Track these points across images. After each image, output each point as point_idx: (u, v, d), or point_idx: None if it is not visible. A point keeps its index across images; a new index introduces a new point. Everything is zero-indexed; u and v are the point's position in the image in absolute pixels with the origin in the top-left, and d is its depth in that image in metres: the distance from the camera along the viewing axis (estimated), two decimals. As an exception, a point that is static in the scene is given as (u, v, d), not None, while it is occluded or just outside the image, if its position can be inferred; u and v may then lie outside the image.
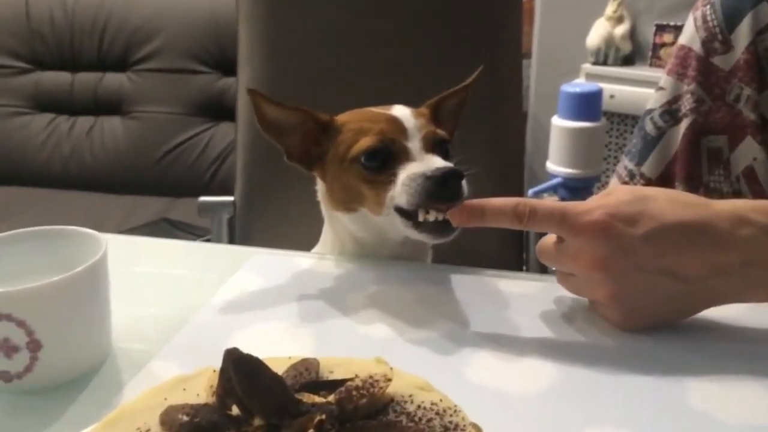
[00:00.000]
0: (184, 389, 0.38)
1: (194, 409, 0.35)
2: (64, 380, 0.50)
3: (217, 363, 0.38)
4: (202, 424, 0.34)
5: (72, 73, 2.11)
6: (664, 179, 0.86)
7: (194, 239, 1.51)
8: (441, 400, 0.37)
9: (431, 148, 0.65)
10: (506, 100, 1.15)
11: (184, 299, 0.64)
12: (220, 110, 2.04)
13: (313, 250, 0.77)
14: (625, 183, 0.89)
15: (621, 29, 2.26)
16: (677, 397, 0.47)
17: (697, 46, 0.82)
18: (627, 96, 2.17)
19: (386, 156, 0.63)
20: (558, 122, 1.98)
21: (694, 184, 0.84)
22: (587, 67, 2.32)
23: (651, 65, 2.26)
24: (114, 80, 2.09)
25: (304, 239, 0.79)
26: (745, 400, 0.47)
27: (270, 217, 1.13)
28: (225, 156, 2.01)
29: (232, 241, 1.14)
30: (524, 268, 1.11)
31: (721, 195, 0.83)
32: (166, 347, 0.55)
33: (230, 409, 0.35)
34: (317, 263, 0.71)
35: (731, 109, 0.81)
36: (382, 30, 1.11)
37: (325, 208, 0.73)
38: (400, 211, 0.63)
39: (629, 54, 2.31)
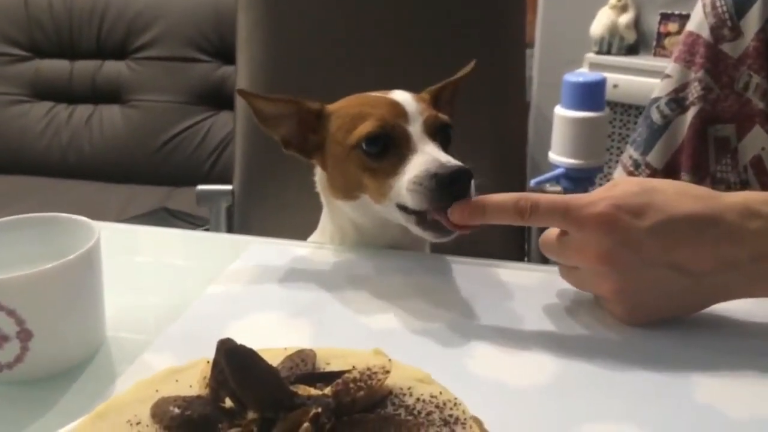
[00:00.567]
0: (177, 381, 0.37)
1: (186, 402, 0.34)
2: (55, 371, 0.49)
3: (212, 354, 0.37)
4: (194, 417, 0.33)
5: (71, 61, 2.10)
6: (669, 169, 0.85)
7: (193, 228, 1.50)
8: (441, 393, 0.36)
9: (433, 134, 0.63)
10: (509, 90, 1.14)
11: (181, 288, 0.62)
12: (219, 99, 2.03)
13: (310, 239, 0.76)
14: (630, 173, 0.88)
15: (625, 18, 2.24)
16: (682, 391, 0.46)
17: (705, 33, 0.80)
18: (631, 86, 2.16)
19: (387, 141, 0.62)
20: (561, 112, 1.97)
21: (700, 174, 0.83)
22: (591, 56, 2.30)
23: (655, 55, 2.24)
24: (113, 68, 2.08)
25: (302, 228, 0.78)
26: (751, 394, 0.46)
27: (269, 206, 1.12)
28: (224, 145, 2.00)
29: (230, 230, 1.13)
30: (526, 258, 1.10)
31: (728, 185, 0.82)
32: (160, 337, 0.54)
33: (223, 402, 0.34)
34: (316, 252, 0.69)
35: (740, 98, 0.79)
36: (382, 17, 1.09)
37: (324, 197, 0.72)
38: (404, 208, 0.61)
39: (633, 43, 2.29)
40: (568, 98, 1.96)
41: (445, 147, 0.64)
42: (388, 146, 0.62)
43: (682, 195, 0.51)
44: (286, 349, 0.40)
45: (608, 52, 2.29)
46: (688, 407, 0.44)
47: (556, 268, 0.59)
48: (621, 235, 0.49)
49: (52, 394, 0.47)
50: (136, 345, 0.53)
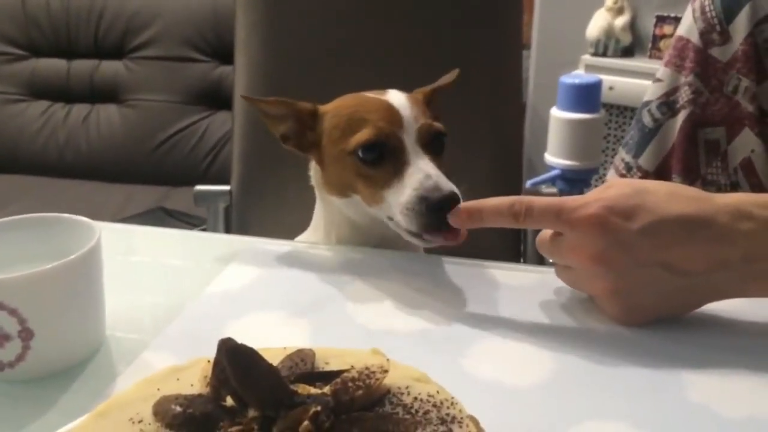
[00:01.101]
0: (178, 379, 0.38)
1: (188, 400, 0.35)
2: (56, 370, 0.50)
3: (212, 353, 0.38)
4: (196, 415, 0.33)
5: (68, 61, 2.10)
6: (661, 171, 0.86)
7: (190, 228, 1.50)
8: (438, 392, 0.37)
9: (427, 143, 0.65)
10: (506, 91, 1.15)
11: (179, 288, 0.63)
12: (217, 99, 2.03)
13: (303, 236, 0.77)
14: (623, 175, 0.89)
15: (621, 20, 2.25)
16: (676, 389, 0.47)
17: (695, 38, 0.81)
18: (626, 88, 2.17)
19: (383, 150, 0.63)
20: (557, 113, 1.98)
21: (691, 177, 0.84)
22: (587, 58, 2.31)
23: (651, 57, 2.25)
24: (110, 68, 2.08)
25: (300, 229, 0.79)
26: (743, 393, 0.47)
27: (266, 207, 1.12)
28: (222, 145, 2.00)
29: (228, 230, 1.14)
30: (522, 260, 1.11)
31: (719, 187, 0.83)
32: (159, 337, 0.54)
33: (224, 400, 0.35)
34: (314, 253, 0.70)
35: (729, 101, 0.80)
36: (380, 18, 1.10)
37: (319, 192, 0.73)
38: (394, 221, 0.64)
39: (629, 45, 2.30)
40: (564, 100, 1.97)
41: (439, 156, 0.65)
42: (383, 154, 0.63)
43: (674, 196, 0.51)
44: (285, 348, 0.40)
45: (604, 54, 2.30)
46: (681, 406, 0.45)
47: (551, 269, 0.60)
48: (612, 236, 0.51)
49: (53, 392, 0.48)
50: (134, 344, 0.53)
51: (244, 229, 1.12)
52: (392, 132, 0.64)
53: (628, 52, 2.31)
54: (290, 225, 0.81)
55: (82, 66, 2.09)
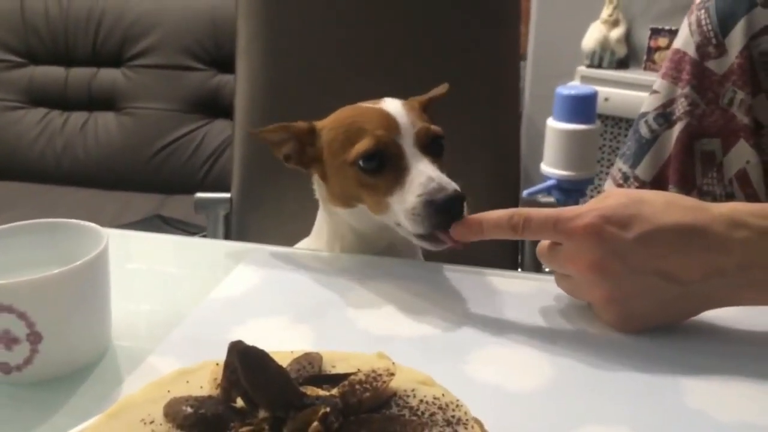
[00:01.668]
0: (187, 382, 0.39)
1: (198, 401, 0.35)
2: (63, 373, 0.50)
3: (216, 357, 0.39)
4: (207, 416, 0.34)
5: (66, 68, 2.11)
6: (657, 182, 0.87)
7: (188, 236, 1.51)
8: (443, 395, 0.37)
9: (425, 146, 0.65)
10: (503, 101, 1.16)
11: (182, 294, 0.64)
12: (215, 108, 2.04)
13: (302, 245, 0.78)
14: (620, 185, 0.90)
15: (616, 32, 2.28)
16: (673, 394, 0.48)
17: (691, 50, 0.83)
18: (621, 99, 2.19)
19: (383, 158, 0.64)
20: (553, 124, 2.00)
21: (687, 187, 0.85)
22: (582, 69, 2.33)
23: (645, 69, 2.27)
24: (108, 76, 2.09)
25: (300, 236, 0.80)
26: (740, 399, 0.47)
27: (266, 214, 1.13)
28: (219, 154, 2.01)
29: (227, 237, 1.14)
30: (519, 269, 1.11)
31: (714, 198, 0.84)
32: (164, 342, 0.55)
33: (235, 402, 0.35)
34: (316, 260, 0.71)
35: (725, 113, 0.81)
36: (380, 28, 1.11)
37: (323, 204, 0.74)
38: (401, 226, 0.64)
39: (624, 57, 2.32)
40: (560, 111, 1.99)
41: (438, 158, 0.66)
42: (384, 162, 0.64)
43: (670, 206, 0.52)
44: (293, 352, 0.41)
45: (599, 66, 2.32)
46: (678, 410, 0.46)
47: (549, 277, 0.61)
48: (608, 246, 0.52)
49: (60, 395, 0.48)
50: (138, 350, 0.54)
51: (244, 236, 1.13)
52: (390, 139, 0.64)
53: (623, 63, 2.33)
54: (290, 232, 0.82)
55: (80, 74, 2.10)
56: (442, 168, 0.64)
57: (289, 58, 1.12)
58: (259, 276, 0.66)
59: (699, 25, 0.82)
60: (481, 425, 0.36)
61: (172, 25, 2.05)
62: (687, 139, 0.84)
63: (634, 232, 0.51)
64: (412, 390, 0.37)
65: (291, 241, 0.78)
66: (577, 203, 2.12)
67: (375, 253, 0.71)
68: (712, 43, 0.81)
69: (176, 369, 0.41)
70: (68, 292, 0.49)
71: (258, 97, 1.13)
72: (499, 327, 0.57)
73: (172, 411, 0.35)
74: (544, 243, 0.58)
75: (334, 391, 0.36)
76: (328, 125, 0.70)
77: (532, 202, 1.18)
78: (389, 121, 0.66)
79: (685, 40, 0.84)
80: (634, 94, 2.11)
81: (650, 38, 2.26)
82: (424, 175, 0.62)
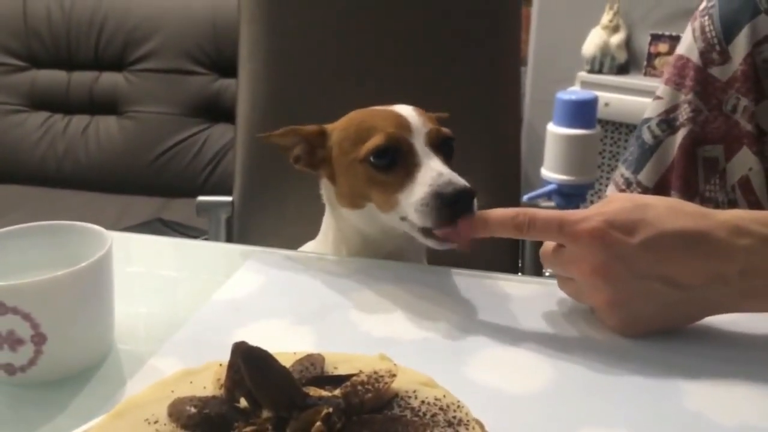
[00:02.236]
0: (191, 382, 0.39)
1: (202, 401, 0.36)
2: (67, 374, 0.50)
3: (219, 359, 0.39)
4: (211, 416, 0.34)
5: (68, 72, 2.11)
6: (660, 188, 0.87)
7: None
8: (444, 396, 0.38)
9: (436, 147, 0.66)
10: (504, 106, 1.16)
11: (182, 297, 0.64)
12: (216, 112, 2.04)
13: (307, 247, 0.78)
14: (622, 191, 0.90)
15: (616, 38, 2.28)
16: (672, 397, 0.48)
17: (695, 57, 0.83)
18: (621, 104, 2.20)
19: (395, 155, 0.64)
20: (553, 129, 2.00)
21: (689, 193, 0.85)
22: (582, 75, 2.34)
23: (646, 74, 2.28)
24: (110, 80, 2.09)
25: (302, 239, 0.80)
26: (739, 402, 0.48)
27: (268, 217, 1.13)
28: (220, 158, 2.01)
29: (229, 240, 1.14)
30: (519, 274, 1.12)
31: (717, 204, 0.84)
32: (167, 343, 0.55)
33: (238, 402, 0.36)
34: (318, 263, 0.71)
35: (728, 120, 0.81)
36: (382, 33, 1.12)
37: (331, 206, 0.74)
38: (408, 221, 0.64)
39: (624, 63, 2.33)
40: (561, 116, 1.99)
41: (448, 159, 0.66)
42: (395, 159, 0.64)
43: (673, 212, 0.53)
44: (295, 353, 0.41)
45: (600, 71, 2.33)
46: (678, 413, 0.46)
47: (550, 281, 0.61)
48: (612, 250, 0.52)
49: (64, 396, 0.49)
50: (141, 352, 0.54)
51: (245, 239, 1.13)
52: (402, 137, 0.65)
53: (623, 69, 2.33)
54: (292, 236, 0.82)
55: (82, 78, 2.10)
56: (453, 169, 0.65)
57: (290, 63, 1.13)
58: (262, 278, 0.66)
59: (702, 31, 0.82)
60: (482, 426, 0.36)
61: (174, 30, 2.05)
62: (690, 145, 0.84)
63: (638, 237, 0.52)
64: (414, 391, 0.38)
65: (293, 245, 0.78)
66: (577, 208, 2.12)
67: (381, 256, 0.71)
68: (715, 49, 0.81)
69: (180, 369, 0.41)
70: (73, 293, 0.49)
71: (260, 101, 1.13)
72: (500, 330, 0.57)
73: (176, 411, 0.35)
74: (548, 245, 0.58)
75: (337, 392, 0.36)
76: (339, 126, 0.70)
77: (533, 207, 1.18)
78: (401, 121, 0.66)
79: (688, 46, 0.84)
80: (635, 99, 2.12)
81: (650, 44, 2.26)
82: (435, 170, 0.62)
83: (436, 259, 0.74)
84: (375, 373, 0.38)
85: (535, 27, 2.48)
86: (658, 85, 0.88)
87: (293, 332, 0.57)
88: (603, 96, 2.17)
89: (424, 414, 0.36)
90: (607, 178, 2.28)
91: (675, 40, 2.07)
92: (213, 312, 0.60)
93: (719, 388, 0.49)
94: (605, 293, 0.54)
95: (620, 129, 2.27)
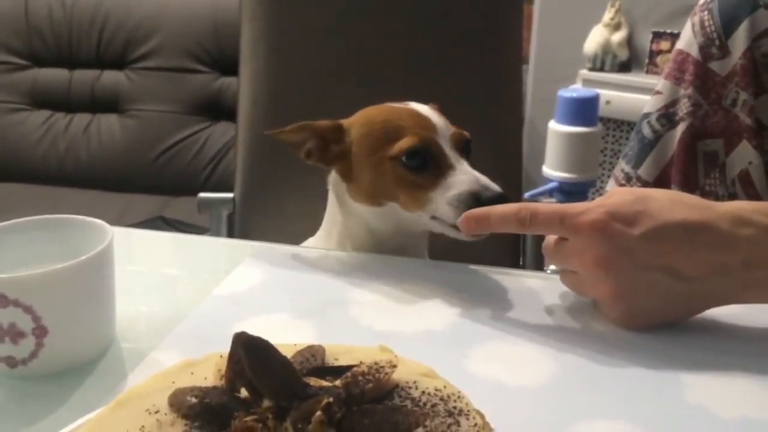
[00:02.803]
0: (192, 373, 0.39)
1: (203, 392, 0.36)
2: (68, 367, 0.50)
3: (220, 352, 0.39)
4: (212, 405, 0.34)
5: (70, 71, 2.12)
6: (660, 182, 0.87)
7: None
8: (445, 387, 0.38)
9: (461, 150, 0.67)
10: (506, 105, 1.17)
11: (183, 292, 0.64)
12: (217, 110, 2.05)
13: (308, 243, 0.78)
14: (622, 185, 0.90)
15: (618, 36, 2.28)
16: (674, 390, 0.48)
17: (694, 51, 0.83)
18: (623, 102, 2.19)
19: (426, 156, 0.65)
20: (555, 126, 2.00)
21: (689, 188, 0.85)
22: (584, 72, 2.34)
23: (647, 72, 2.28)
24: (112, 78, 2.10)
25: (303, 236, 0.80)
26: (740, 395, 0.48)
27: (269, 214, 1.13)
28: (221, 156, 2.02)
29: (231, 236, 1.15)
30: (521, 269, 1.12)
31: (717, 198, 0.84)
32: (168, 337, 0.55)
33: (239, 392, 0.36)
34: (319, 258, 0.71)
35: (727, 114, 0.81)
36: (383, 32, 1.12)
37: (340, 202, 0.73)
38: (437, 218, 0.65)
39: (626, 61, 2.32)
40: (562, 113, 1.99)
41: (467, 159, 0.67)
42: (426, 160, 0.65)
43: (675, 203, 0.53)
44: (296, 345, 0.41)
45: (601, 69, 2.32)
46: (679, 406, 0.46)
47: (550, 276, 0.62)
48: (614, 242, 0.52)
49: (65, 389, 0.49)
50: (142, 347, 0.54)
51: (246, 236, 1.14)
52: (433, 139, 0.66)
53: (624, 67, 2.33)
54: (293, 233, 0.82)
55: (83, 76, 2.11)
56: None
57: (292, 61, 1.13)
58: (263, 273, 0.67)
59: (702, 26, 0.82)
60: (482, 416, 0.36)
61: (175, 28, 2.06)
62: (690, 139, 0.84)
63: (640, 228, 0.51)
64: (414, 382, 0.38)
65: (294, 241, 0.78)
66: (580, 204, 2.11)
67: (385, 252, 0.71)
68: (715, 44, 0.81)
69: (181, 361, 0.41)
70: (74, 286, 0.49)
71: (261, 100, 1.13)
72: (501, 323, 0.57)
73: (177, 401, 0.35)
74: (551, 238, 0.58)
75: (337, 383, 0.36)
76: (358, 122, 0.70)
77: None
78: (427, 122, 0.67)
79: (688, 41, 0.84)
80: (636, 97, 2.11)
81: (652, 41, 2.26)
82: (472, 175, 0.64)
83: (436, 254, 0.74)
84: (375, 363, 0.38)
85: (537, 25, 2.47)
86: (659, 81, 0.88)
87: (294, 327, 0.57)
88: (604, 94, 2.17)
89: (425, 404, 0.36)
90: (609, 176, 2.28)
91: (676, 37, 2.06)
92: (213, 306, 0.60)
93: (720, 380, 0.49)
94: (607, 285, 0.54)
95: (622, 127, 2.27)
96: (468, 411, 0.36)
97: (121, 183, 2.03)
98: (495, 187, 0.63)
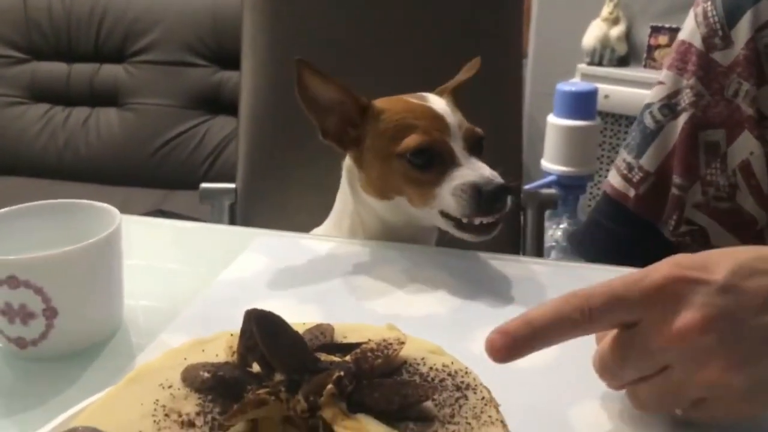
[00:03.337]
0: (203, 351, 0.39)
1: (215, 367, 0.36)
2: (78, 348, 0.51)
3: (230, 330, 0.39)
4: (225, 379, 0.35)
5: (68, 64, 2.11)
6: (662, 172, 0.88)
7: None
8: (452, 363, 0.38)
9: (472, 148, 0.67)
10: (505, 98, 1.17)
11: (190, 278, 0.65)
12: (216, 103, 2.04)
13: (318, 231, 0.78)
14: (624, 175, 0.90)
15: (616, 30, 2.28)
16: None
17: (697, 42, 0.83)
18: (621, 96, 2.20)
19: (433, 155, 0.65)
20: (553, 120, 2.01)
21: (691, 178, 0.86)
22: (583, 67, 2.34)
23: (645, 66, 2.28)
24: (110, 71, 2.09)
25: (304, 226, 0.80)
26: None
27: (271, 205, 1.14)
28: (221, 149, 2.02)
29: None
30: (521, 254, 1.13)
31: (717, 188, 0.84)
32: (176, 320, 0.56)
33: (251, 367, 0.36)
34: (323, 244, 0.72)
35: (729, 104, 0.82)
36: (384, 25, 1.12)
37: (353, 191, 0.73)
38: (445, 214, 0.65)
39: (624, 55, 2.33)
40: (561, 107, 2.00)
41: (479, 157, 0.67)
42: (432, 159, 0.65)
43: (726, 249, 0.43)
44: (305, 323, 0.42)
45: (600, 64, 2.33)
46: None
47: (549, 261, 0.62)
48: (704, 290, 0.40)
49: (74, 370, 0.49)
50: (152, 327, 0.55)
51: (248, 226, 1.14)
52: (442, 139, 0.66)
53: (623, 61, 2.34)
54: (295, 224, 0.82)
55: (82, 69, 2.10)
56: None
57: (294, 52, 1.12)
58: (269, 259, 0.67)
59: (705, 16, 0.83)
60: (489, 391, 0.37)
61: (174, 22, 2.05)
62: (691, 129, 0.85)
63: (720, 271, 0.40)
64: (422, 358, 0.38)
65: (296, 231, 0.79)
66: (576, 199, 2.13)
67: (397, 241, 0.72)
68: (718, 34, 0.82)
69: (191, 339, 0.41)
70: (84, 268, 0.50)
71: (263, 90, 1.14)
72: (504, 306, 0.58)
73: (189, 376, 0.36)
74: (604, 344, 0.44)
75: (347, 358, 0.37)
76: (383, 112, 0.68)
77: (533, 195, 1.18)
78: (439, 121, 0.67)
79: (690, 31, 0.84)
80: (634, 91, 2.12)
81: (650, 36, 2.27)
82: (476, 169, 0.64)
83: (441, 240, 0.75)
84: (384, 341, 0.38)
85: (536, 19, 2.48)
86: (661, 72, 0.89)
87: (300, 311, 0.58)
88: (603, 88, 2.17)
89: (433, 379, 0.37)
90: (607, 170, 2.28)
91: (675, 32, 2.07)
92: (220, 291, 0.61)
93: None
94: (720, 354, 0.39)
95: (620, 121, 2.28)
96: (476, 386, 0.36)
97: (120, 176, 2.03)
98: (497, 180, 0.63)
